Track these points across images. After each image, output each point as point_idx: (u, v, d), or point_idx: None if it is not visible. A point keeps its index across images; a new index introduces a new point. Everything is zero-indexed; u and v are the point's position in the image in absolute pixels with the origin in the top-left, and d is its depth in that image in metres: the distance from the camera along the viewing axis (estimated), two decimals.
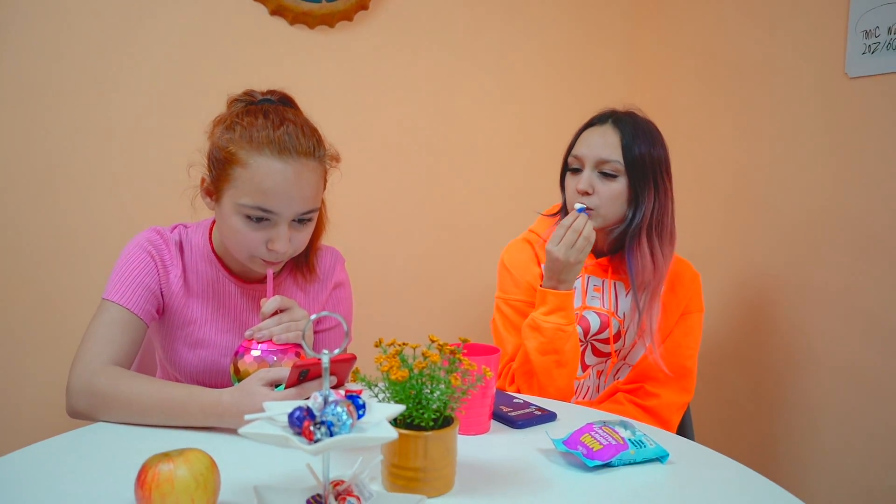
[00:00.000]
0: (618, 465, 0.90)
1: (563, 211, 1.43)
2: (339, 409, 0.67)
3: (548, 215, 1.48)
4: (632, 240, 1.34)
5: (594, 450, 0.89)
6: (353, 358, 0.85)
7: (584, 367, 1.41)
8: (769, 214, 1.73)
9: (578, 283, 1.40)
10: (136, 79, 1.76)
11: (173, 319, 1.18)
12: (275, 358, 1.03)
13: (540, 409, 1.10)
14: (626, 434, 0.94)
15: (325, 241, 1.28)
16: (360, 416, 0.70)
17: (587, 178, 1.34)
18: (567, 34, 2.14)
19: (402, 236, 2.04)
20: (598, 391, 1.43)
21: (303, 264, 1.23)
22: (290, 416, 0.67)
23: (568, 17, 2.14)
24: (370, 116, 1.98)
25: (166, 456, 0.72)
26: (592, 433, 0.93)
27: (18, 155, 1.69)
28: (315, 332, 1.27)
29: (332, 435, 0.66)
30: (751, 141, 1.79)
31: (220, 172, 1.07)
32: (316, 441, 0.65)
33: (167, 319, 1.18)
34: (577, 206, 1.34)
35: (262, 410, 0.72)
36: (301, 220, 1.09)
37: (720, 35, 1.89)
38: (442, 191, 2.07)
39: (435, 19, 2.01)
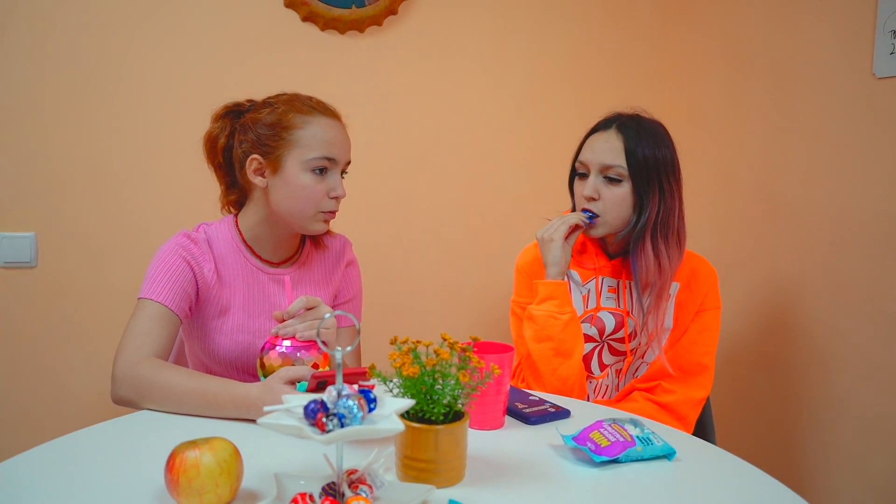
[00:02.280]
0: (625, 462, 0.93)
1: None
2: (350, 402, 0.72)
3: None
4: (636, 241, 1.35)
5: (602, 446, 0.92)
6: (365, 371, 0.89)
7: (603, 367, 1.43)
8: (795, 215, 1.72)
9: (592, 285, 1.42)
10: (170, 84, 1.84)
11: (210, 310, 1.26)
12: (298, 354, 1.08)
13: (554, 406, 1.13)
14: (634, 431, 0.96)
15: (352, 237, 1.46)
16: (371, 410, 0.74)
17: (592, 183, 1.36)
18: (594, 37, 2.15)
19: (428, 237, 2.08)
20: (618, 390, 1.45)
21: (318, 241, 1.38)
22: (306, 408, 0.72)
23: (596, 21, 2.15)
24: (399, 119, 2.02)
25: (193, 443, 0.77)
26: (601, 430, 0.95)
27: (69, 157, 1.78)
28: (333, 306, 1.38)
29: (343, 426, 0.70)
30: (778, 141, 1.78)
31: (277, 143, 1.22)
32: (328, 432, 0.70)
33: (204, 312, 1.26)
34: (584, 212, 1.38)
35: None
36: (343, 173, 1.27)
37: (748, 35, 1.88)
38: (468, 193, 2.10)
39: (464, 23, 2.04)
